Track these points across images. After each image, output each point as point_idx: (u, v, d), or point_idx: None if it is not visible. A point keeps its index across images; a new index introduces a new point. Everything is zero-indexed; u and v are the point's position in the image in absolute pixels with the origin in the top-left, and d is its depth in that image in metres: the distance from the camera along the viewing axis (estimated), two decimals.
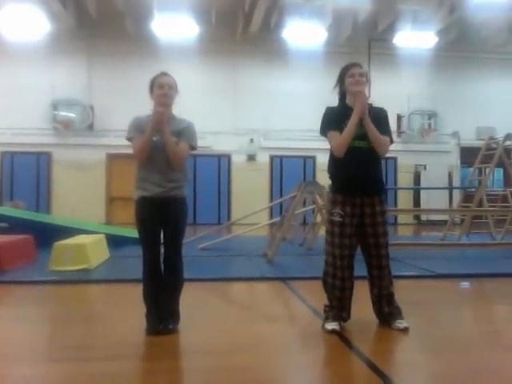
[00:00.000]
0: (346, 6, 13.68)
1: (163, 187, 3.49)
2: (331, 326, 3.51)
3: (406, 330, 3.53)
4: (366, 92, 3.60)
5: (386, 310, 3.65)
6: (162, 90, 3.48)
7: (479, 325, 4.11)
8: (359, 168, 3.54)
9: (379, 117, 3.60)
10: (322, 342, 3.42)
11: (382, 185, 3.74)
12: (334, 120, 3.56)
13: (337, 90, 3.70)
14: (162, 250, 3.61)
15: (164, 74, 3.58)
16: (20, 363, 3.03)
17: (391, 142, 3.64)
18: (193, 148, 3.62)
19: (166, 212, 3.52)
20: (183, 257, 3.65)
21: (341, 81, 3.64)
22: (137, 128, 3.52)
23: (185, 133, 3.56)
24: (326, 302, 3.66)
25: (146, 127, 3.46)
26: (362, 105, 3.45)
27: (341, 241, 3.53)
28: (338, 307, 3.59)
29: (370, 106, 3.61)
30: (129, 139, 3.56)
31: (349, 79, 3.56)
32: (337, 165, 3.63)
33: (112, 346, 3.31)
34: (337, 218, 3.54)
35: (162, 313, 3.54)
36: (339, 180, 3.63)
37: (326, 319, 3.59)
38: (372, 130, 3.48)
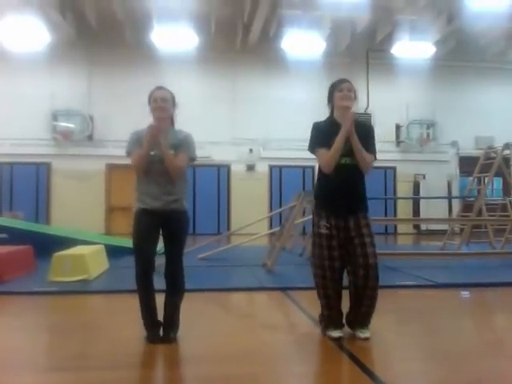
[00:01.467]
0: (345, 17, 13.76)
1: (162, 201, 3.51)
2: (336, 333, 3.54)
3: (366, 339, 3.51)
4: (354, 108, 3.64)
5: (355, 318, 3.63)
6: (156, 104, 3.54)
7: (480, 334, 4.10)
8: (344, 184, 3.58)
9: (365, 133, 3.64)
10: (321, 351, 3.43)
11: (366, 202, 3.72)
12: (321, 136, 3.61)
13: (328, 106, 3.76)
14: (162, 261, 3.60)
15: (159, 88, 3.63)
16: (20, 372, 3.03)
17: (375, 158, 3.67)
18: (192, 159, 3.64)
19: (166, 225, 3.54)
20: (184, 267, 3.65)
21: (330, 96, 3.70)
22: (135, 143, 3.55)
23: (183, 144, 3.58)
24: (322, 312, 3.66)
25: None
26: (349, 121, 3.49)
27: (329, 253, 3.54)
28: (338, 315, 3.61)
29: (356, 120, 3.63)
30: (128, 154, 3.58)
31: (337, 94, 3.63)
32: (322, 182, 3.68)
33: (112, 355, 3.30)
34: (323, 231, 3.57)
35: (164, 322, 3.55)
36: (323, 198, 3.65)
37: (328, 327, 3.60)
38: (358, 148, 3.53)
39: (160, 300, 3.61)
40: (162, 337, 3.50)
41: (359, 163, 3.56)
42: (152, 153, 3.48)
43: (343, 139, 3.49)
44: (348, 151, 3.55)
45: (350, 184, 3.60)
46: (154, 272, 3.55)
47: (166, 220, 3.52)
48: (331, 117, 3.72)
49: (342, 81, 3.68)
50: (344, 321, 3.70)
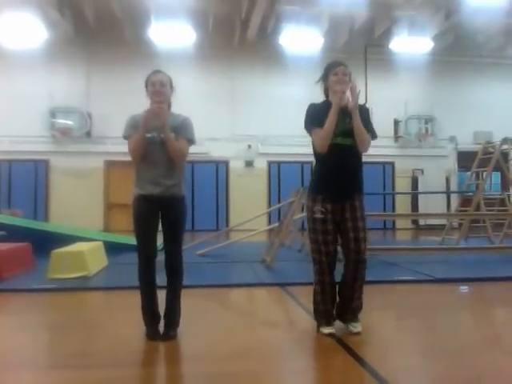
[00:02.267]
0: (343, 13, 13.75)
1: (161, 186, 3.48)
2: (328, 330, 3.54)
3: (358, 334, 3.55)
4: (348, 92, 3.61)
5: (345, 311, 3.65)
6: (154, 88, 3.51)
7: (479, 329, 4.11)
8: (341, 164, 3.56)
9: (362, 114, 3.60)
10: (320, 347, 3.43)
11: (362, 184, 3.71)
12: (317, 117, 3.59)
13: (321, 85, 3.75)
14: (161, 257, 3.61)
15: (157, 71, 3.61)
16: (20, 370, 3.03)
17: (375, 137, 3.68)
18: (191, 142, 3.61)
19: (165, 211, 3.52)
20: (182, 255, 3.65)
21: (325, 78, 3.70)
22: (133, 126, 3.51)
23: (182, 128, 3.56)
24: (314, 304, 3.65)
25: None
26: (339, 97, 3.50)
27: (324, 237, 3.55)
28: (331, 302, 3.61)
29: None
30: (125, 137, 3.55)
31: (332, 77, 3.62)
32: (318, 165, 3.67)
33: (112, 352, 3.31)
34: (318, 215, 3.56)
35: (164, 319, 3.56)
36: (320, 181, 3.64)
37: (320, 324, 3.61)
38: (359, 126, 3.51)
39: (161, 298, 3.62)
40: (162, 334, 3.50)
41: (358, 143, 3.54)
42: (149, 135, 3.44)
43: (335, 114, 3.48)
44: (345, 131, 3.54)
45: (347, 165, 3.58)
46: (155, 260, 3.54)
47: (165, 206, 3.50)
48: (326, 100, 3.71)
49: (336, 64, 3.66)
50: (335, 314, 3.70)
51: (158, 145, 3.46)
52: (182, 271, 3.63)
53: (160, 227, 3.62)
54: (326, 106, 3.63)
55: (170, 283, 3.60)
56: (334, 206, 3.56)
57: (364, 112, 3.66)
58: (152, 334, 3.49)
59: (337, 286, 3.69)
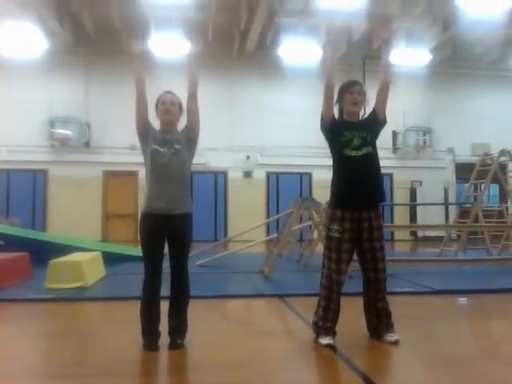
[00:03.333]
0: (341, 25, 13.82)
1: (169, 203, 3.48)
2: (326, 340, 3.53)
3: (396, 342, 3.56)
4: (362, 110, 3.74)
5: (378, 323, 3.68)
6: (165, 106, 3.60)
7: (477, 340, 4.10)
8: (359, 175, 3.60)
9: (371, 115, 3.82)
10: (319, 358, 3.42)
11: (382, 192, 3.74)
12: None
13: (336, 104, 3.79)
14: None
15: (167, 92, 3.71)
16: (17, 380, 3.00)
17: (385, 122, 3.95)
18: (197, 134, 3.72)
19: (173, 228, 3.52)
20: (188, 272, 3.65)
21: (340, 97, 3.73)
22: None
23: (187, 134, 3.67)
24: (316, 317, 3.65)
25: (155, 134, 3.58)
26: (335, 33, 3.80)
27: (338, 256, 3.57)
28: (332, 321, 3.60)
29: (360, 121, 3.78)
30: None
31: (348, 96, 3.66)
32: (337, 173, 3.68)
33: (109, 362, 3.28)
34: (335, 234, 3.58)
35: (170, 329, 3.55)
36: (338, 190, 3.65)
37: (319, 334, 3.59)
38: (387, 63, 3.88)
39: (164, 308, 3.60)
40: (169, 344, 3.49)
41: (381, 72, 3.86)
42: (161, 149, 3.50)
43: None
44: (359, 145, 3.60)
45: (363, 173, 3.62)
46: (161, 275, 3.54)
47: (173, 223, 3.51)
48: (341, 118, 3.75)
49: (353, 83, 3.71)
50: (368, 331, 3.75)
51: (168, 159, 3.49)
52: (188, 286, 3.63)
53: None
54: (340, 122, 3.71)
55: (175, 298, 3.59)
56: (351, 225, 3.57)
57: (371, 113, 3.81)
58: (149, 345, 3.47)
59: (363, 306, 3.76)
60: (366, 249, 3.62)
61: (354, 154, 3.59)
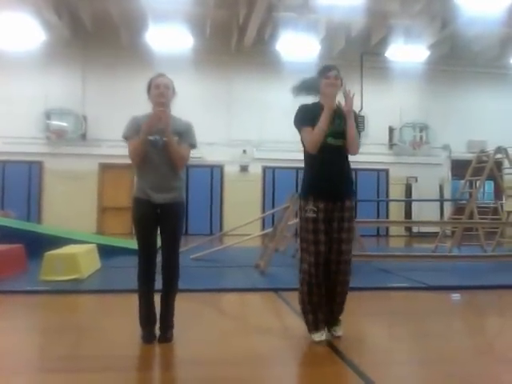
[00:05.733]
0: (340, 20, 13.81)
1: (162, 191, 3.49)
2: (318, 337, 3.53)
3: (339, 337, 3.59)
4: (338, 96, 3.67)
5: (329, 316, 3.66)
6: (159, 90, 3.53)
7: (471, 336, 4.12)
8: (332, 165, 3.60)
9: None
10: (313, 353, 3.43)
11: (352, 183, 3.76)
12: (308, 116, 3.62)
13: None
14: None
15: (161, 74, 3.63)
16: (10, 373, 3.01)
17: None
18: (193, 146, 3.65)
19: (164, 216, 3.53)
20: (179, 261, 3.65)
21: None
22: (135, 128, 3.52)
23: (185, 133, 3.59)
24: (301, 304, 3.64)
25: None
26: (331, 101, 3.54)
27: (315, 237, 3.53)
28: (317, 305, 3.56)
29: (341, 104, 3.69)
30: (125, 138, 3.55)
31: (324, 80, 3.65)
32: (309, 165, 3.68)
33: (104, 356, 3.29)
34: (310, 215, 3.56)
35: (160, 322, 3.56)
36: (311, 180, 3.66)
37: (310, 331, 3.59)
38: (353, 130, 3.56)
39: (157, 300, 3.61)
40: (158, 337, 3.50)
41: (350, 145, 3.59)
42: (152, 138, 3.47)
43: (328, 118, 3.51)
44: (335, 132, 3.58)
45: (337, 165, 3.62)
46: (156, 261, 3.55)
47: (165, 211, 3.52)
48: (317, 102, 3.74)
49: (329, 67, 3.71)
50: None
51: (160, 148, 3.48)
52: (178, 275, 3.62)
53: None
54: (317, 107, 3.67)
55: (165, 286, 3.60)
56: (326, 205, 3.56)
57: (355, 117, 3.73)
58: (147, 337, 3.49)
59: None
60: (334, 228, 3.59)
61: (327, 141, 3.55)
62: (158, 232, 3.60)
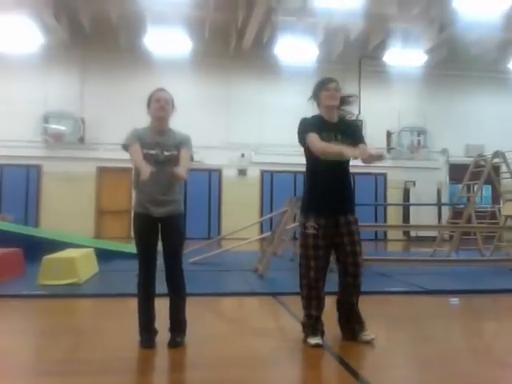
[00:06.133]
0: (338, 24, 13.85)
1: (160, 204, 3.51)
2: (314, 340, 3.53)
3: (372, 341, 3.57)
4: (337, 105, 3.71)
5: (353, 322, 3.68)
6: (159, 104, 3.57)
7: (469, 340, 4.13)
8: (334, 181, 3.61)
9: (356, 131, 3.75)
10: (311, 357, 3.42)
11: (353, 198, 3.79)
12: (312, 125, 3.63)
13: (313, 101, 3.78)
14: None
15: (161, 89, 3.67)
16: (6, 377, 2.99)
17: None
18: (191, 159, 3.67)
19: (164, 228, 3.56)
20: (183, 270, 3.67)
21: (317, 94, 3.72)
22: (135, 138, 3.54)
23: (184, 143, 3.62)
24: (303, 317, 3.67)
25: (145, 139, 3.52)
26: (352, 152, 3.44)
27: (315, 253, 3.56)
28: (316, 319, 3.59)
29: (344, 119, 3.74)
30: (125, 146, 3.55)
31: (324, 92, 3.66)
32: (311, 178, 3.68)
33: (100, 359, 3.29)
34: (311, 231, 3.57)
35: (170, 326, 3.57)
36: (312, 195, 3.66)
37: (307, 335, 3.60)
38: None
39: (162, 305, 3.61)
40: (168, 341, 3.50)
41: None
42: (153, 152, 3.50)
43: (340, 152, 3.43)
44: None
45: (339, 183, 3.64)
46: (156, 272, 3.56)
47: (165, 224, 3.55)
48: (318, 115, 3.74)
49: (328, 80, 3.71)
50: (341, 331, 3.74)
51: (161, 162, 3.50)
52: (183, 284, 3.65)
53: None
54: (318, 120, 3.68)
55: (172, 296, 3.61)
56: (327, 221, 3.57)
57: (357, 130, 3.78)
58: (145, 342, 3.48)
59: (336, 305, 3.74)
60: (346, 242, 3.60)
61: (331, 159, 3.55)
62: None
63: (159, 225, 3.55)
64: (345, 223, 3.61)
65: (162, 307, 3.60)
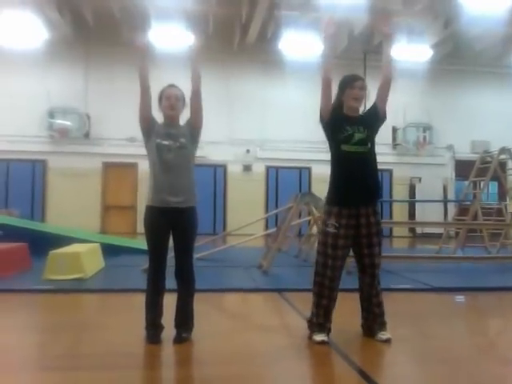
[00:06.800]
0: (342, 19, 13.77)
1: (174, 192, 3.47)
2: (320, 337, 3.52)
3: (388, 341, 3.55)
4: (362, 106, 3.70)
5: (373, 321, 3.67)
6: (169, 101, 3.56)
7: (473, 338, 4.11)
8: (359, 171, 3.57)
9: (372, 110, 3.80)
10: (316, 354, 3.42)
11: (379, 188, 3.76)
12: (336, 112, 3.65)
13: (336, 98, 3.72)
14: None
15: (172, 85, 3.66)
16: (11, 371, 3.01)
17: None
18: (196, 141, 3.68)
19: (178, 222, 3.51)
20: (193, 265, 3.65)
21: (341, 91, 3.67)
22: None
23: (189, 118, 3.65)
24: (310, 314, 3.66)
25: (158, 129, 3.55)
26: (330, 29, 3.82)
27: (334, 252, 3.54)
28: (325, 317, 3.58)
29: (363, 115, 3.74)
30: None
31: (349, 91, 3.61)
32: (336, 168, 3.65)
33: (104, 354, 3.29)
34: (331, 230, 3.55)
35: (176, 322, 3.56)
36: (337, 186, 3.64)
37: (313, 331, 3.59)
38: (388, 58, 3.81)
39: (169, 301, 3.60)
40: (174, 337, 3.49)
41: (385, 70, 3.79)
42: (166, 142, 3.49)
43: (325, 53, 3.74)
44: (361, 140, 3.57)
45: (364, 170, 3.60)
46: (166, 268, 3.54)
47: (179, 217, 3.50)
48: (341, 111, 3.67)
49: (355, 78, 3.68)
50: (361, 328, 3.74)
51: (174, 153, 3.49)
52: (193, 279, 3.62)
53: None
54: (341, 115, 3.65)
55: (181, 291, 3.59)
56: (348, 222, 3.54)
57: (372, 106, 3.80)
58: (151, 338, 3.48)
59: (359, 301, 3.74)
60: (364, 244, 3.58)
61: (353, 149, 3.55)
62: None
63: (172, 219, 3.49)
64: (365, 224, 3.57)
65: (167, 303, 3.60)
